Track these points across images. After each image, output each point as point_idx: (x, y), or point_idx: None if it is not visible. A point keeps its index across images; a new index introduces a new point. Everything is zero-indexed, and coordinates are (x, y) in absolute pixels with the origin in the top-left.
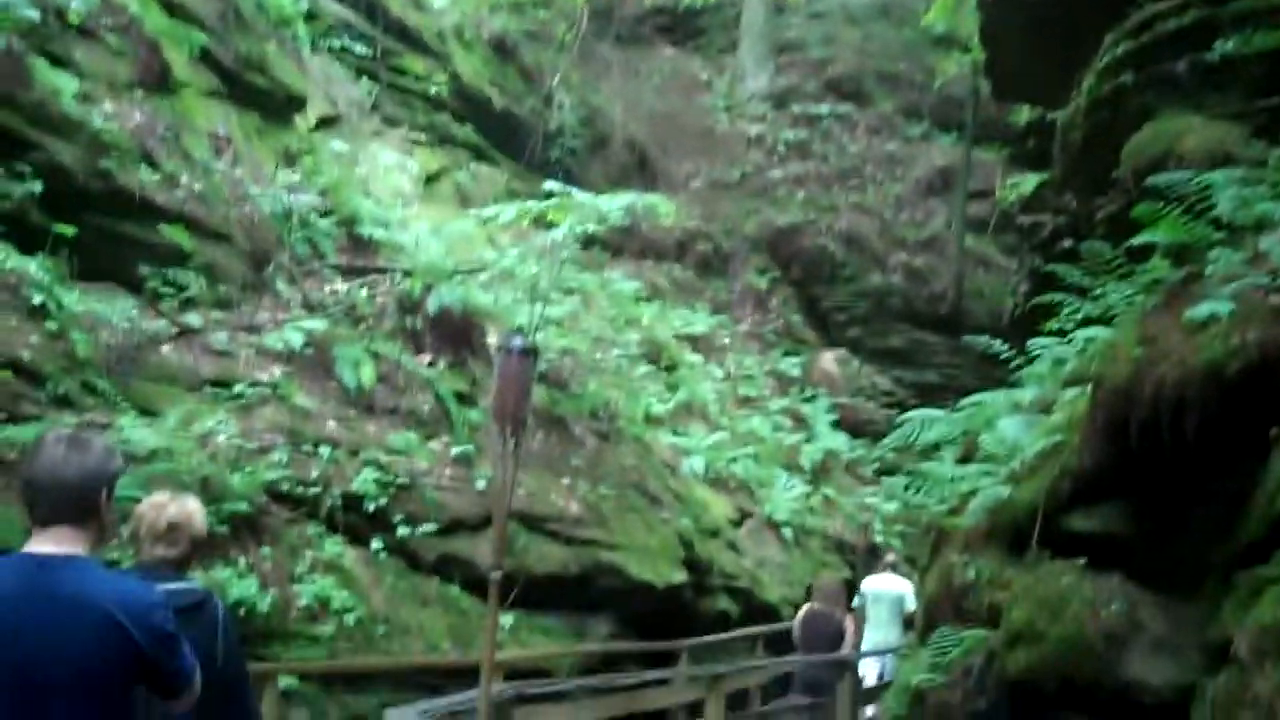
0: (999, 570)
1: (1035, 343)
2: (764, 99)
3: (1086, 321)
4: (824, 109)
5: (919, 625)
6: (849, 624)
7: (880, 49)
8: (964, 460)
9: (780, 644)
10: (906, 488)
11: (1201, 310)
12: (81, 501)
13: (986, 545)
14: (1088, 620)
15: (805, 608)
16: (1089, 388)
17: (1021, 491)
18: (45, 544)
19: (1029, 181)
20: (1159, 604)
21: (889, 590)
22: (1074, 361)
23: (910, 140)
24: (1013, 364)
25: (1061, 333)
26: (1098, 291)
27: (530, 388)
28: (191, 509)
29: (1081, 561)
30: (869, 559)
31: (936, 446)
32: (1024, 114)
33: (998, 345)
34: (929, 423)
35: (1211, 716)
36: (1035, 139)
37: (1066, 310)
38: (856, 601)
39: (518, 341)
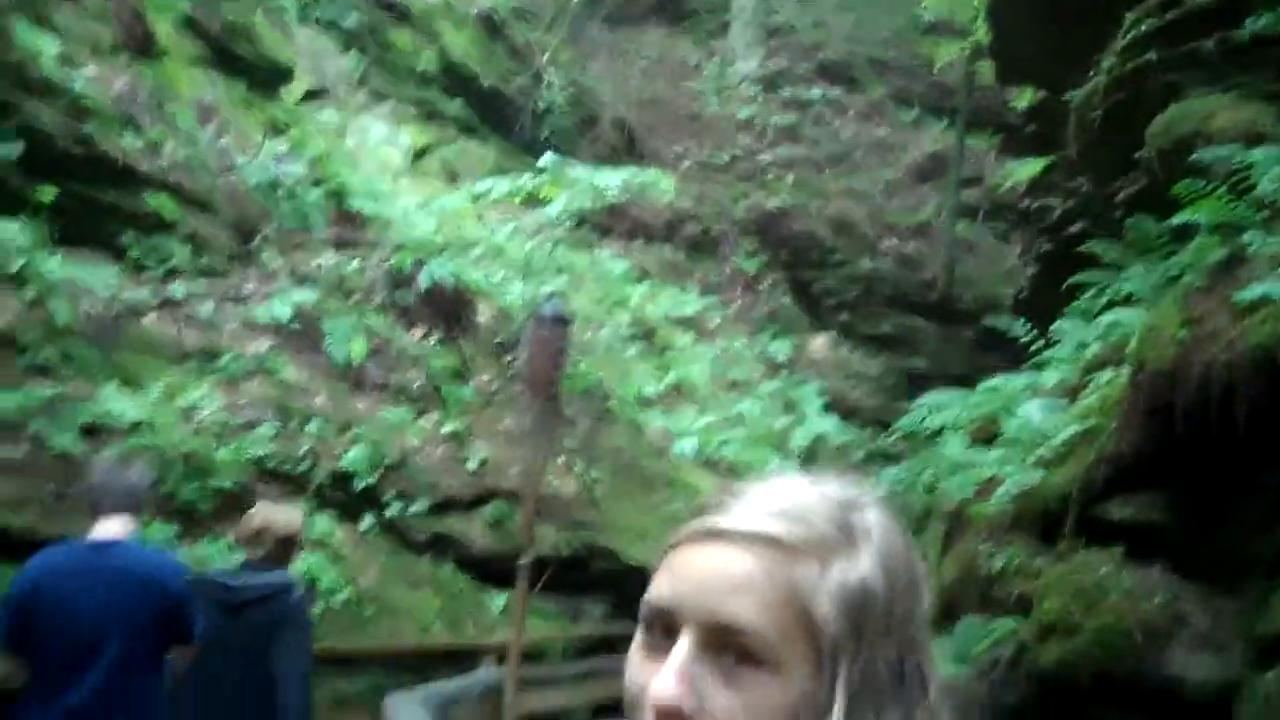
0: (1028, 559)
1: (1058, 326)
2: (754, 82)
3: (1112, 304)
4: (815, 93)
5: (934, 613)
6: None
7: (871, 34)
8: (981, 445)
9: None
10: (921, 472)
11: (1251, 292)
12: (132, 500)
13: (1013, 533)
14: (1127, 612)
15: None
16: (1128, 370)
17: (1052, 478)
18: (101, 531)
19: (1028, 166)
20: (1201, 597)
21: None
22: (1098, 345)
23: (901, 126)
24: (1030, 348)
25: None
26: (1127, 274)
27: (564, 359)
28: (274, 515)
29: (1119, 551)
30: None
31: (939, 432)
32: (1025, 98)
33: (1019, 328)
34: (941, 407)
35: (1265, 714)
36: (1037, 123)
37: (1091, 292)
38: None
39: (550, 308)
